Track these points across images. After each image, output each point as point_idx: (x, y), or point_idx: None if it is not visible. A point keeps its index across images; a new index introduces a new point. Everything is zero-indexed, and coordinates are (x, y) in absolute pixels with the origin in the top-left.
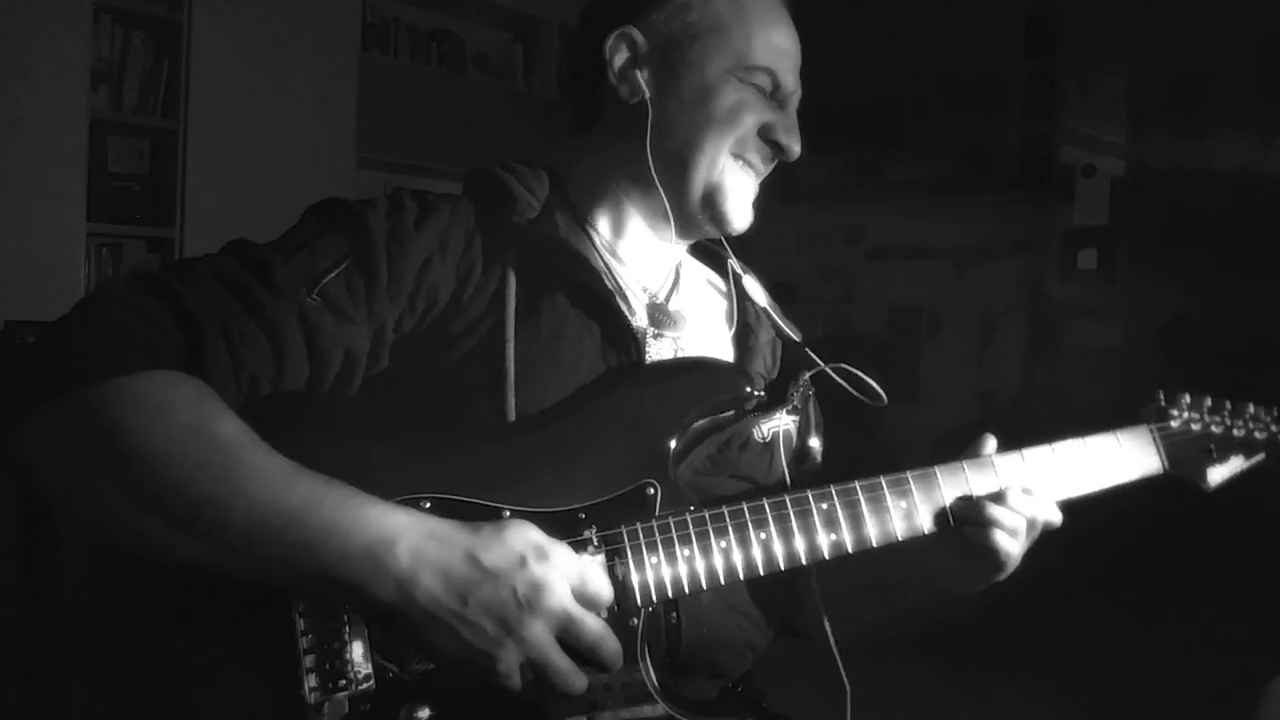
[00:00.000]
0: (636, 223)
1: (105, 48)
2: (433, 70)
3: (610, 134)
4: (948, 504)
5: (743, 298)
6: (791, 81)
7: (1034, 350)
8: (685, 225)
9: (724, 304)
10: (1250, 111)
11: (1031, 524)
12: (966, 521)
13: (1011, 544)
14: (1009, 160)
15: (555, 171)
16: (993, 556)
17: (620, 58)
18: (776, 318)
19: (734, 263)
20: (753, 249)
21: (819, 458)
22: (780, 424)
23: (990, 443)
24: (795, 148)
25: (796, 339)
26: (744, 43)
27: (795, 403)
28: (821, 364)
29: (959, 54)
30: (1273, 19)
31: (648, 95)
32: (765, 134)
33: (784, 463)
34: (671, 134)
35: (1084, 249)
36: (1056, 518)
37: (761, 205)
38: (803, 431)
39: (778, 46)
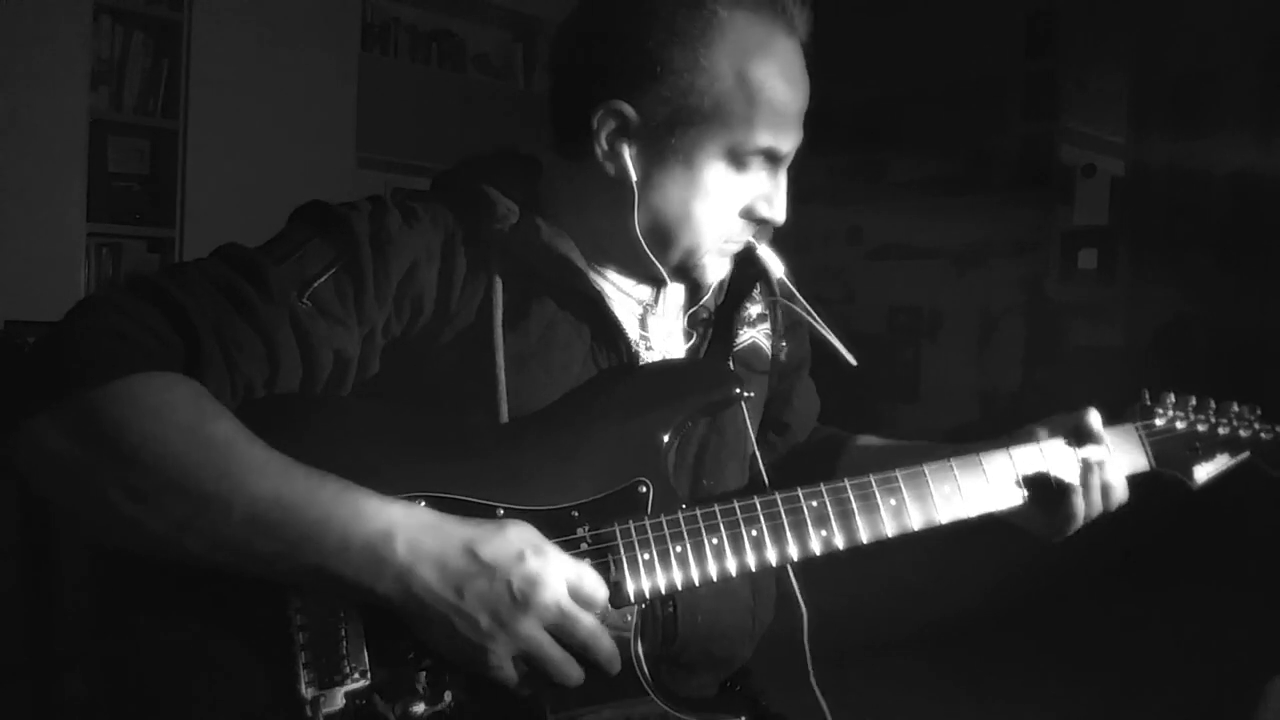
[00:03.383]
0: (619, 248)
1: (105, 48)
2: (433, 70)
3: (593, 181)
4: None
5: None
6: (792, 142)
7: (1034, 350)
8: (670, 278)
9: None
10: (1250, 111)
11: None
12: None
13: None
14: (1009, 160)
15: (533, 164)
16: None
17: (607, 131)
18: (792, 288)
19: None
20: None
21: (783, 355)
22: (747, 338)
23: (1094, 415)
24: (780, 216)
25: (759, 256)
26: (744, 129)
27: (742, 331)
28: (812, 316)
29: (959, 54)
30: (1273, 19)
31: (634, 179)
32: (749, 214)
33: (748, 420)
34: (656, 214)
35: (1084, 249)
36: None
37: None
38: (772, 335)
39: (784, 112)
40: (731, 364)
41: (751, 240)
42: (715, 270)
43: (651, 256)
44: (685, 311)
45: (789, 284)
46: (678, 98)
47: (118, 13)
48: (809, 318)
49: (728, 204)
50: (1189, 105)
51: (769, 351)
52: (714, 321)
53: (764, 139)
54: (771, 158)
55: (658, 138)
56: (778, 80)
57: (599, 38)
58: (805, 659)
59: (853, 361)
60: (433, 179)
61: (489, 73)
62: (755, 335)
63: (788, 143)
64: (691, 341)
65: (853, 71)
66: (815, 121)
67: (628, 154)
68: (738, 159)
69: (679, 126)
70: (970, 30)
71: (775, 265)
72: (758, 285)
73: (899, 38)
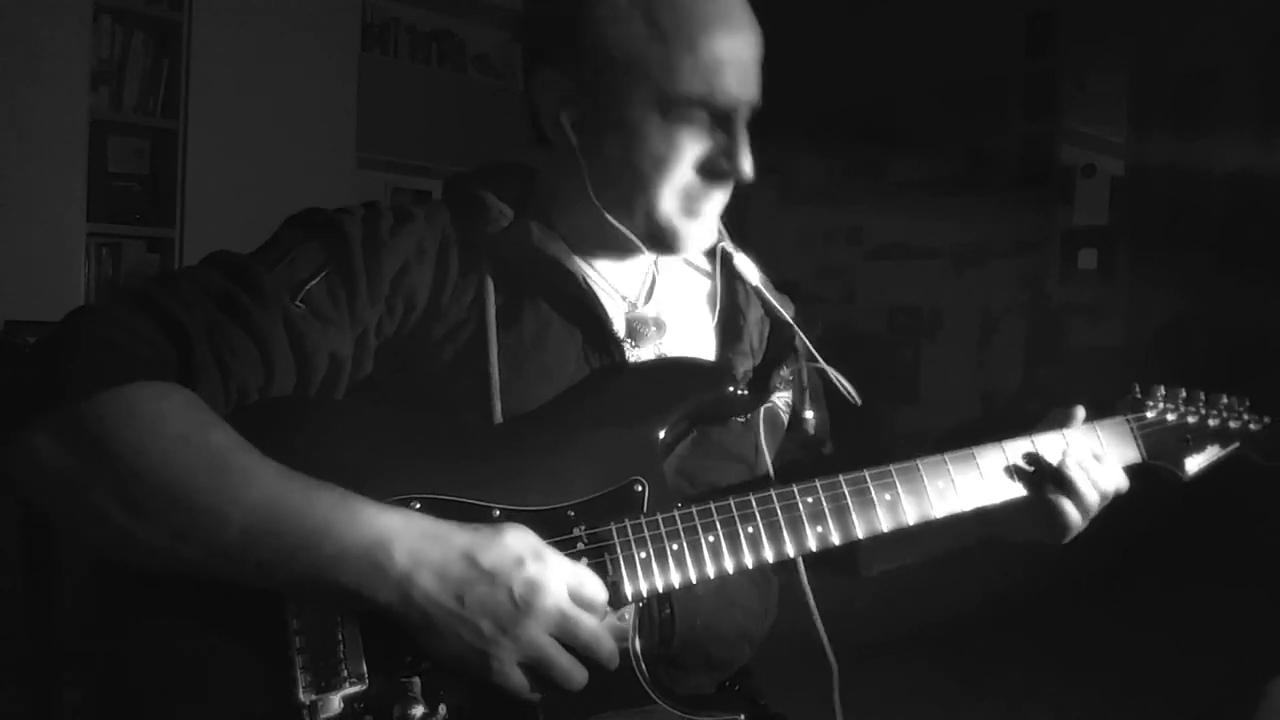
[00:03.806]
0: (604, 234)
1: (105, 48)
2: (433, 70)
3: (561, 165)
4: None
5: (731, 277)
6: (734, 95)
7: (1034, 350)
8: (650, 249)
9: (708, 285)
10: (1250, 111)
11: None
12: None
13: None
14: (1009, 160)
15: (530, 172)
16: (1059, 516)
17: (548, 103)
18: (770, 297)
19: (725, 244)
20: (753, 249)
21: (812, 429)
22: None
23: (1079, 412)
24: (744, 169)
25: (785, 317)
26: (664, 74)
27: (776, 392)
28: (809, 346)
29: (959, 54)
30: (1273, 19)
31: (575, 143)
32: (706, 170)
33: (763, 440)
34: (610, 182)
35: (1084, 249)
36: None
37: (761, 205)
38: (796, 404)
39: (713, 61)
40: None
41: (728, 249)
42: (692, 236)
43: (618, 224)
44: (714, 317)
45: (765, 293)
46: (597, 54)
47: (118, 13)
48: (816, 357)
49: (675, 159)
50: (1189, 105)
51: (785, 419)
52: (752, 381)
53: (693, 85)
54: (712, 107)
55: (589, 99)
56: (691, 22)
57: (529, 12)
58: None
59: (857, 401)
60: (444, 183)
61: (489, 73)
62: (774, 400)
63: (725, 90)
64: None
65: (853, 71)
66: (815, 121)
67: (567, 121)
68: (671, 110)
69: (604, 83)
70: (970, 30)
71: (751, 273)
72: (780, 370)
73: (899, 38)
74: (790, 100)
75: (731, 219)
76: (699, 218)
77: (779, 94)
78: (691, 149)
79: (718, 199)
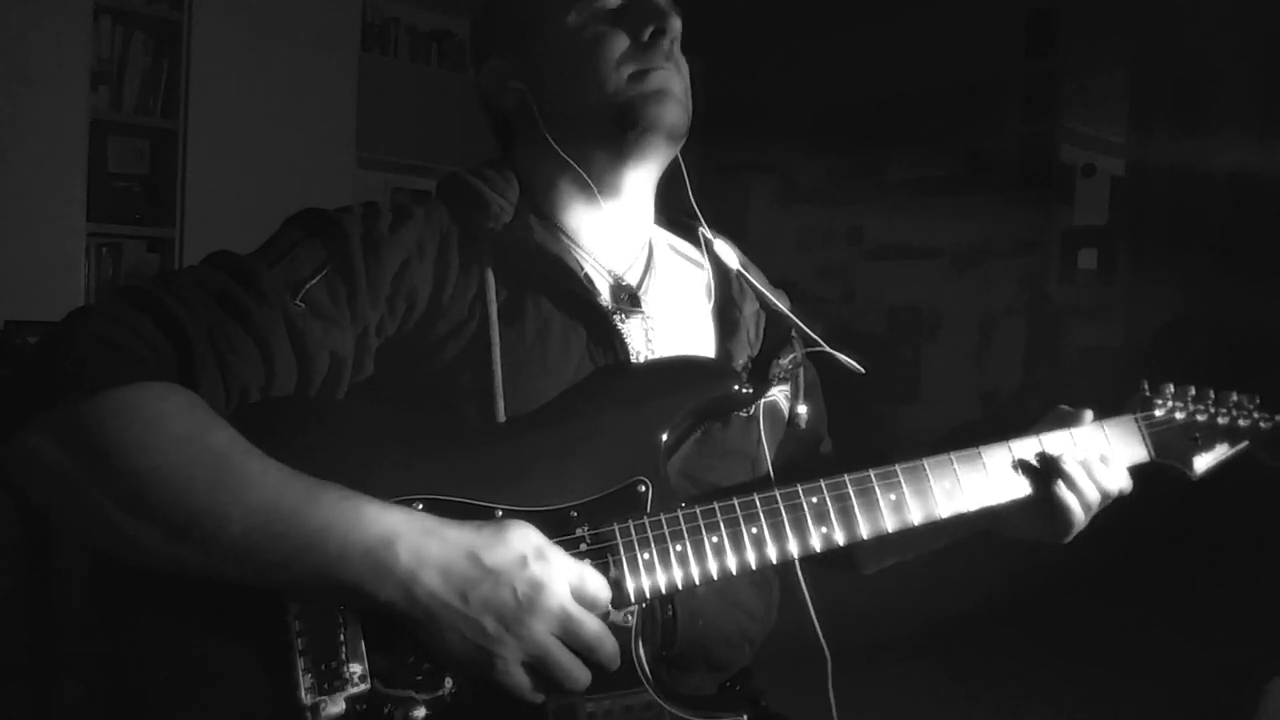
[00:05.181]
0: (582, 205)
1: (105, 48)
2: (433, 70)
3: (525, 139)
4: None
5: (725, 270)
6: None
7: (1034, 350)
8: (606, 176)
9: (704, 277)
10: (1250, 111)
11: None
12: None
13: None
14: (1009, 160)
15: (521, 172)
16: (1063, 514)
17: (495, 85)
18: (756, 283)
19: (704, 230)
20: (753, 249)
21: (803, 424)
22: (769, 395)
23: (1087, 414)
24: (657, 21)
25: (780, 308)
26: None
27: (775, 384)
28: (806, 330)
29: (959, 54)
30: (1272, 20)
31: (526, 91)
32: (635, 33)
33: (763, 436)
34: (561, 104)
35: (1084, 249)
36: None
37: (761, 205)
38: (791, 398)
39: None
40: (761, 416)
41: (708, 234)
42: (653, 94)
43: (573, 163)
44: (710, 301)
45: (748, 275)
46: (510, 19)
47: (118, 13)
48: (817, 339)
49: (608, 38)
50: (1189, 105)
51: (785, 412)
52: (751, 373)
53: None
54: None
55: (525, 58)
56: None
57: (472, 27)
58: (830, 707)
59: (862, 370)
60: (439, 181)
61: None
62: (775, 394)
63: None
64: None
65: (853, 71)
66: (815, 121)
67: (517, 84)
68: (596, 15)
69: (536, 28)
70: (970, 30)
71: (730, 257)
72: (778, 361)
73: (899, 38)
74: (790, 100)
75: (732, 219)
76: (649, 76)
77: (779, 94)
78: (613, 21)
79: (657, 53)
